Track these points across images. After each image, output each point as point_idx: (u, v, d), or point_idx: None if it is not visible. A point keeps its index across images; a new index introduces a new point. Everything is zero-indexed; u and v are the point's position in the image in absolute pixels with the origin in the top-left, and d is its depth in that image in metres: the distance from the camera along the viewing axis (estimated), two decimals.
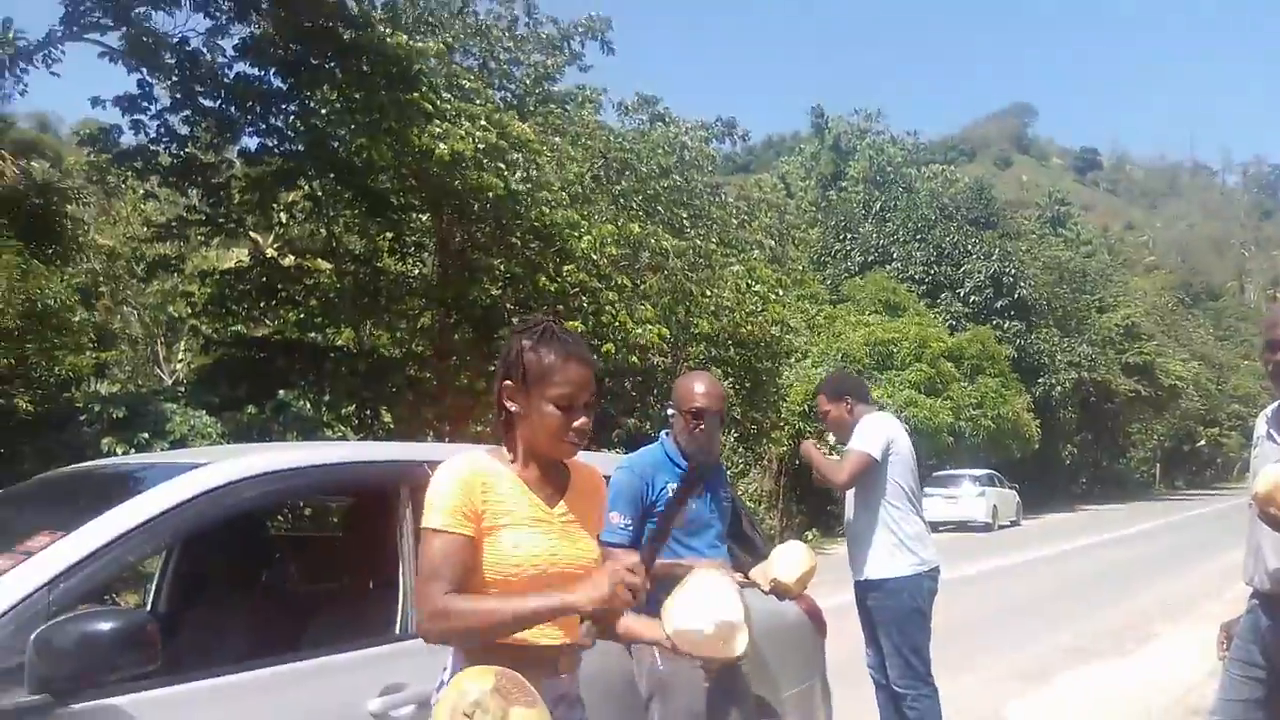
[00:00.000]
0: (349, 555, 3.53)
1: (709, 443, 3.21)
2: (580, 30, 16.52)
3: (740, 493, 20.13)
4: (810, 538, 20.80)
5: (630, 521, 3.07)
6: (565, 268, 12.56)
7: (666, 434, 3.31)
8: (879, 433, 4.30)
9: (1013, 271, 34.24)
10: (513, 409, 1.99)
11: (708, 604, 2.09)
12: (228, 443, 8.73)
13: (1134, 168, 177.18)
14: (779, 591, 3.04)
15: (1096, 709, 6.36)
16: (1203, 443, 54.58)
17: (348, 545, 3.69)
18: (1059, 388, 35.54)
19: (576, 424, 1.96)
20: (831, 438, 5.10)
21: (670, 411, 3.32)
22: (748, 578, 3.10)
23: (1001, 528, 24.48)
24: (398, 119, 10.55)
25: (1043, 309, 36.40)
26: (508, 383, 1.99)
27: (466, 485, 1.90)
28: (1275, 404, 3.11)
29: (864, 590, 4.32)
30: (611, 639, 2.18)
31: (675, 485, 3.13)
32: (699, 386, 3.24)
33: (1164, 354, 45.27)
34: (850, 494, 4.40)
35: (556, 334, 1.99)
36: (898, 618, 4.22)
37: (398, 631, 2.51)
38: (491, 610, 1.82)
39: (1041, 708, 6.45)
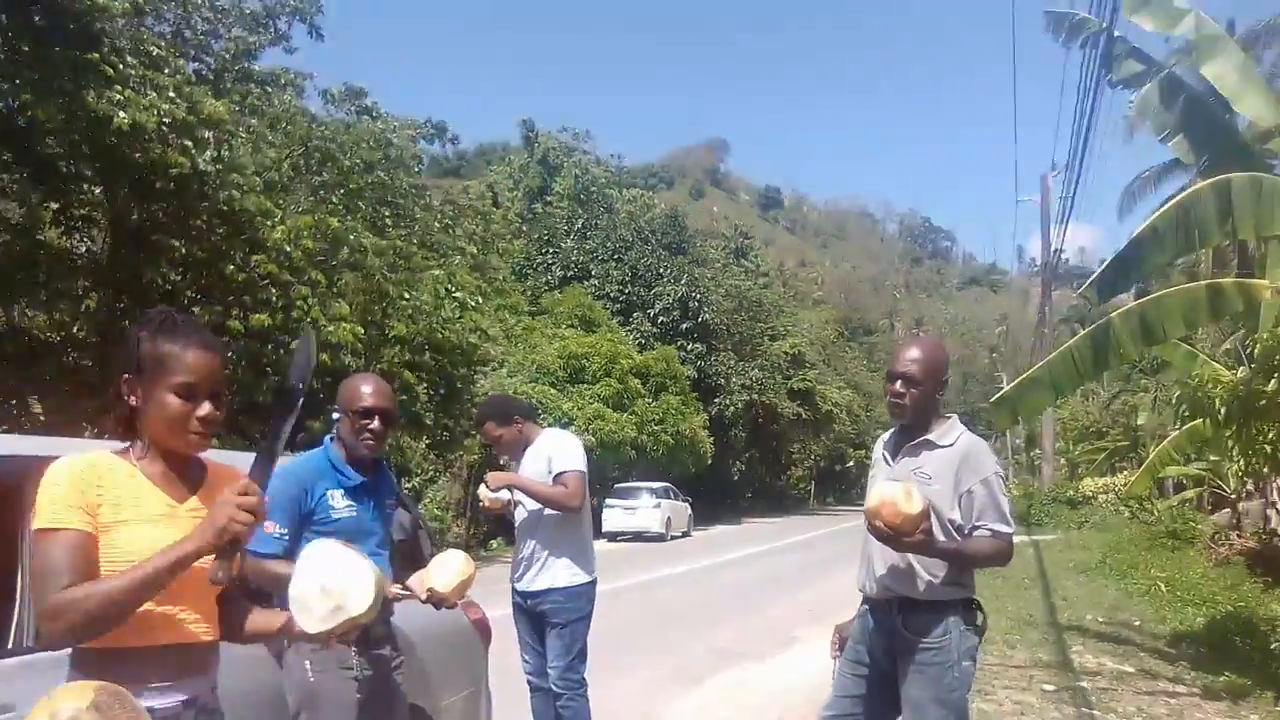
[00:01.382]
0: None
1: (379, 443, 3.14)
2: (288, 10, 15.81)
3: (428, 500, 19.90)
4: (495, 545, 20.94)
5: (285, 531, 2.95)
6: (255, 257, 11.96)
7: (331, 439, 3.22)
8: (579, 448, 4.57)
9: (699, 297, 36.23)
10: (133, 402, 1.90)
11: (316, 571, 2.08)
12: None
13: (810, 209, 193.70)
14: (435, 600, 3.05)
15: (739, 708, 6.90)
16: (852, 463, 60.38)
17: None
18: (732, 408, 37.99)
19: (201, 414, 1.89)
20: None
21: (336, 414, 3.21)
22: (406, 587, 3.10)
23: (674, 538, 25.74)
24: (72, 79, 9.61)
25: (722, 333, 38.77)
26: (127, 375, 1.89)
27: (78, 479, 1.81)
28: (890, 431, 3.49)
29: (541, 596, 4.47)
30: (237, 640, 2.11)
31: (336, 492, 3.07)
32: (366, 386, 3.16)
33: (824, 382, 49.75)
34: (528, 504, 4.53)
35: (177, 322, 1.93)
36: (573, 621, 4.46)
37: (10, 646, 2.27)
38: (110, 588, 1.71)
39: (690, 709, 6.90)
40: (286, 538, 2.95)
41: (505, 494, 4.57)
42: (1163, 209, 6.88)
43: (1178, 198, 6.92)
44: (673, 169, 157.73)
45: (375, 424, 3.11)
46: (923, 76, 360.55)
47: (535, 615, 4.52)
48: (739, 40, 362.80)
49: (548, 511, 4.47)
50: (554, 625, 4.45)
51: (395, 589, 3.01)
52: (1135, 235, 6.97)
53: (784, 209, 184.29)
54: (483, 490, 4.58)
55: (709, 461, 34.75)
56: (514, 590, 4.60)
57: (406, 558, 3.51)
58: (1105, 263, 7.56)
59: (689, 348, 35.60)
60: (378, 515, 3.19)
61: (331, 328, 12.36)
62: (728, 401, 37.60)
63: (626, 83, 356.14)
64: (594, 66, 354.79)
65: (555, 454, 4.47)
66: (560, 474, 4.42)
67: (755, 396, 39.52)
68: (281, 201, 13.04)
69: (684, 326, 35.80)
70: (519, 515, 4.61)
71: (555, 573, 4.45)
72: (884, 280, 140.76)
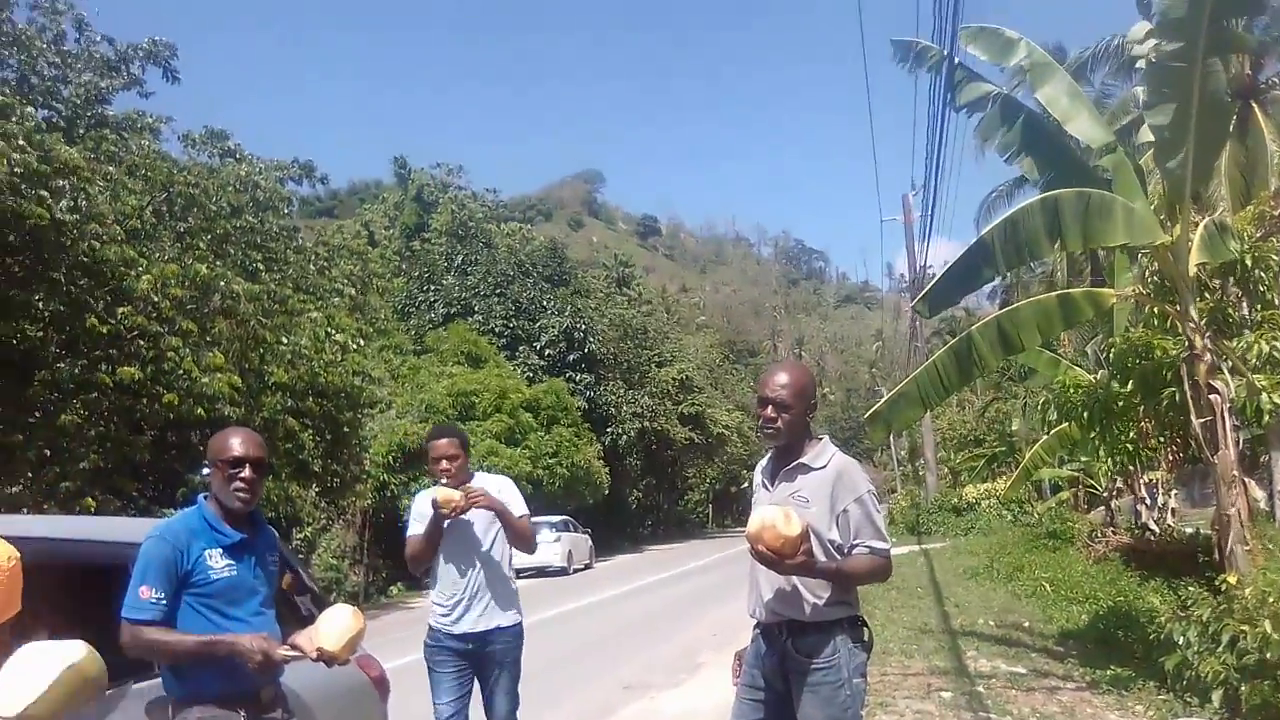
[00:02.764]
0: None
1: (252, 494, 3.05)
2: (141, 54, 15.29)
3: (322, 549, 19.26)
4: (395, 592, 20.43)
5: (162, 595, 2.84)
6: (120, 309, 11.41)
7: (205, 497, 3.11)
8: (518, 490, 4.64)
9: (583, 327, 36.30)
10: None
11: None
12: None
13: (688, 236, 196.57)
14: (325, 658, 2.98)
15: None
16: (746, 484, 60.88)
17: None
18: (625, 436, 38.07)
19: None
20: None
21: (206, 469, 3.14)
22: (295, 645, 3.01)
23: (576, 571, 25.57)
24: None
25: (610, 363, 38.88)
26: None
27: None
28: (766, 457, 3.52)
29: (487, 637, 4.39)
30: None
31: (214, 551, 2.96)
32: (234, 437, 3.09)
33: (713, 405, 50.26)
34: (476, 543, 4.43)
35: None
36: (517, 657, 4.48)
37: None
38: None
39: None
40: (163, 602, 2.85)
41: (460, 495, 4.34)
42: (993, 225, 7.19)
43: (1008, 213, 7.25)
44: (550, 201, 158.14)
45: (245, 473, 3.02)
46: (787, 102, 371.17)
47: (475, 657, 4.41)
48: (608, 72, 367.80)
49: (487, 550, 4.45)
50: (503, 665, 4.43)
51: (283, 650, 2.92)
52: (966, 250, 7.27)
53: (661, 237, 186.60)
54: (442, 491, 4.32)
55: (606, 491, 34.70)
56: (445, 634, 4.42)
57: (295, 617, 3.38)
58: (936, 277, 7.86)
59: (578, 379, 35.58)
60: (260, 573, 3.10)
61: (206, 379, 11.88)
62: (620, 430, 37.66)
63: (496, 119, 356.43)
64: (463, 104, 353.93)
65: (508, 499, 4.50)
66: (520, 516, 4.49)
67: (647, 424, 39.69)
68: (145, 250, 12.51)
69: (571, 358, 35.78)
70: (449, 559, 4.45)
71: (497, 612, 4.43)
72: (763, 302, 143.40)
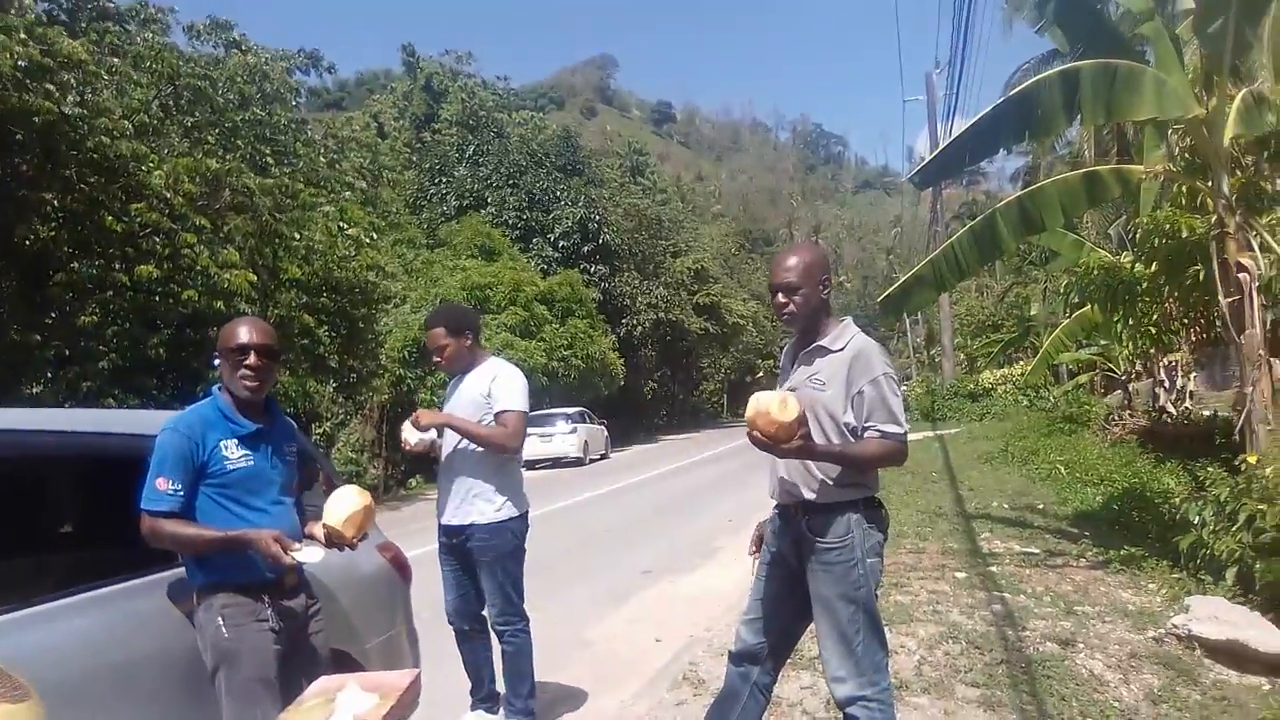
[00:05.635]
0: None
1: (260, 382, 3.01)
2: None
3: (341, 443, 19.55)
4: (414, 484, 20.78)
5: (179, 487, 2.81)
6: (134, 206, 11.33)
7: (219, 389, 3.06)
8: (524, 386, 4.42)
9: (598, 218, 35.93)
10: None
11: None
12: None
13: (703, 122, 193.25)
14: (334, 539, 2.97)
15: (665, 621, 6.99)
16: (761, 374, 61.35)
17: None
18: (640, 328, 38.12)
19: None
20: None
21: (216, 359, 3.07)
22: (312, 536, 3.02)
23: (593, 461, 25.89)
24: None
25: (624, 254, 38.62)
26: None
27: None
28: (793, 340, 3.47)
29: (465, 531, 4.33)
30: None
31: (230, 442, 2.94)
32: (240, 325, 3.05)
33: (728, 295, 50.14)
34: (452, 439, 4.37)
35: None
36: (503, 556, 4.33)
37: None
38: None
39: (618, 626, 6.99)
40: (181, 494, 2.82)
41: (431, 434, 4.39)
42: (1003, 98, 6.95)
43: (1021, 86, 7.01)
44: (562, 89, 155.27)
45: (251, 360, 2.98)
46: None
47: (462, 552, 4.39)
48: None
49: (462, 445, 4.33)
50: (482, 563, 4.32)
51: (295, 548, 2.88)
52: (971, 124, 7.04)
53: (676, 124, 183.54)
54: (406, 430, 4.36)
55: (621, 383, 34.90)
56: (439, 527, 4.46)
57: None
58: (934, 153, 7.63)
59: (592, 270, 35.42)
60: (278, 463, 3.08)
61: (228, 276, 11.85)
62: (635, 321, 37.67)
63: (506, 2, 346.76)
64: None
65: (498, 391, 4.33)
66: (502, 413, 4.30)
67: (662, 315, 39.68)
68: (155, 145, 12.35)
69: (585, 249, 35.54)
70: (444, 450, 4.44)
71: (479, 507, 4.32)
72: (780, 190, 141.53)
